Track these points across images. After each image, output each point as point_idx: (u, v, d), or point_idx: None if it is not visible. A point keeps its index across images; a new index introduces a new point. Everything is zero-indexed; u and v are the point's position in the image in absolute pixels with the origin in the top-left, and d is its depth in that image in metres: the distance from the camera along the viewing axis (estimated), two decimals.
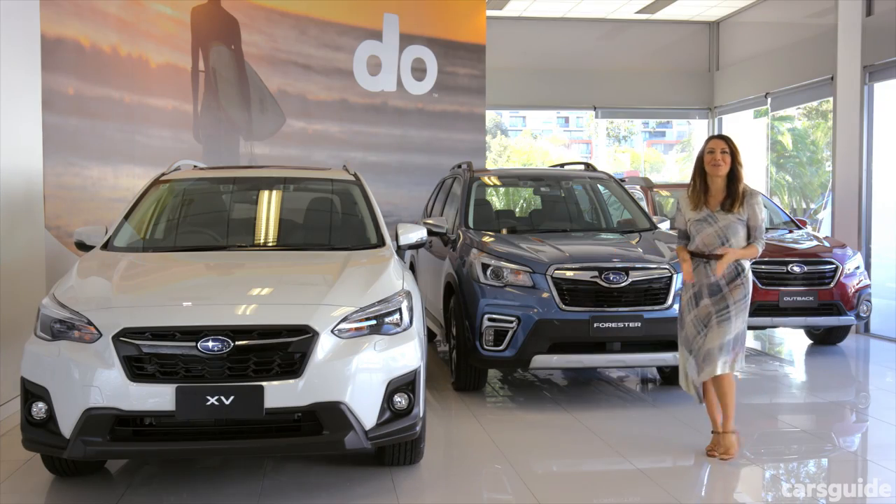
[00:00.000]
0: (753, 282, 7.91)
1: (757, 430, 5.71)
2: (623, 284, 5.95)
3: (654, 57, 14.16)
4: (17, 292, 5.90)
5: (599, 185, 8.12)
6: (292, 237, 5.43)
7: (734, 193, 4.77)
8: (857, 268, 8.30)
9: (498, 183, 8.85)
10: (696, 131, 16.60)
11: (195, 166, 6.36)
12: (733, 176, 4.78)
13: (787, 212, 10.23)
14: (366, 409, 3.97)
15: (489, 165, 16.19)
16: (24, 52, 6.15)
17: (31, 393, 3.98)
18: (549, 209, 8.06)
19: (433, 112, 11.20)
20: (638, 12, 13.39)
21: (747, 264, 4.85)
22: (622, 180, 8.65)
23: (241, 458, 4.76)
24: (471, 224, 7.18)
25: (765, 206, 9.94)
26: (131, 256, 4.87)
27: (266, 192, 5.74)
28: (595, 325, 5.89)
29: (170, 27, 9.02)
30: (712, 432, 4.92)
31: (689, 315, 4.87)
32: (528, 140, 27.98)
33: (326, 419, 3.90)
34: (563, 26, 13.82)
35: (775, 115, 13.84)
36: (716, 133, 14.36)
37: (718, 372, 4.73)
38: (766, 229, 9.30)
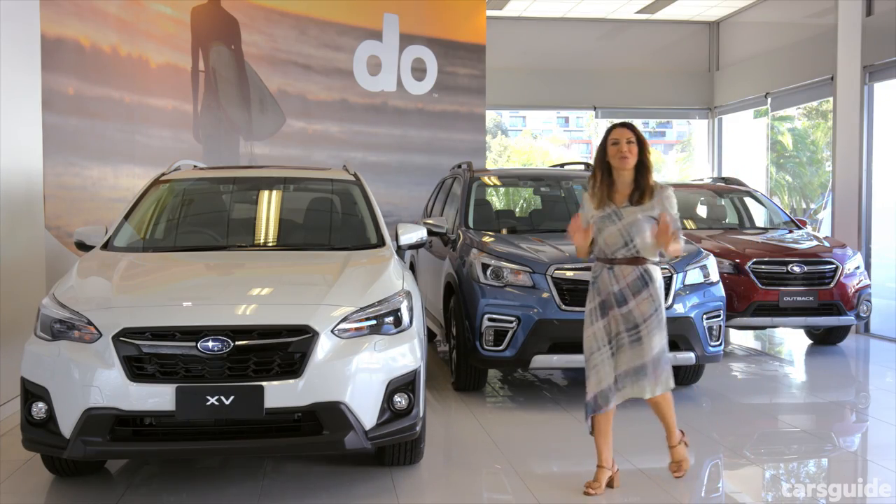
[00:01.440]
0: (753, 282, 7.98)
1: (757, 430, 5.72)
2: None
3: (654, 57, 14.16)
4: (17, 292, 5.90)
5: None
6: (292, 237, 5.43)
7: (643, 186, 4.22)
8: (857, 268, 8.30)
9: (498, 183, 8.85)
10: (696, 131, 16.60)
11: (195, 166, 6.36)
12: (642, 168, 4.23)
13: (787, 212, 10.23)
14: (366, 409, 3.97)
15: (489, 165, 16.19)
16: (24, 53, 6.15)
17: (31, 393, 3.98)
18: (549, 209, 8.05)
19: (433, 112, 11.20)
20: (638, 12, 13.39)
21: (656, 273, 4.24)
22: None
23: (241, 458, 4.76)
24: (471, 224, 7.18)
25: (764, 206, 9.98)
26: (131, 256, 4.87)
27: (266, 192, 5.74)
28: None
29: (170, 27, 9.02)
30: (598, 466, 4.32)
31: (589, 329, 4.26)
32: (528, 140, 28.00)
33: (326, 419, 3.90)
34: (563, 26, 13.81)
35: (775, 115, 13.83)
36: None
37: (647, 395, 4.21)
38: (767, 229, 9.39)
